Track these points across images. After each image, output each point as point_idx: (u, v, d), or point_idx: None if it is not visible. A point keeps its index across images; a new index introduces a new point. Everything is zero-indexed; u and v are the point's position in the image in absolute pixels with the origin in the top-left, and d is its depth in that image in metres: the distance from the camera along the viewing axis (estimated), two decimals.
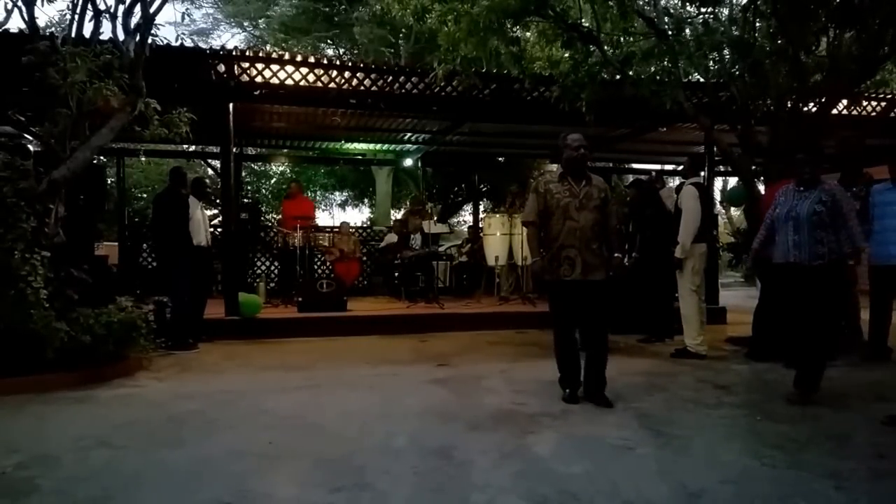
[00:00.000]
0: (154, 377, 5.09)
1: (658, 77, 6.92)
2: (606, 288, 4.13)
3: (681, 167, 7.51)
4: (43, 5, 5.69)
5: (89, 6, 5.65)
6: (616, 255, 4.26)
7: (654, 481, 2.79)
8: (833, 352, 5.61)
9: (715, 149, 8.21)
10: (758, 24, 6.89)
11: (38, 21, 5.53)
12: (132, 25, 5.74)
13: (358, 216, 22.16)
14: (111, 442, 3.37)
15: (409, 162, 12.96)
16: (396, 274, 10.20)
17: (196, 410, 4.02)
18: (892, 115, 9.21)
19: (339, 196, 21.27)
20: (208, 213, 7.73)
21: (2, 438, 3.45)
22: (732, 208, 20.55)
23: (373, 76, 7.82)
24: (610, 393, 4.12)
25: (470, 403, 4.21)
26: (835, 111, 7.33)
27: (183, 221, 6.33)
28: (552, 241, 4.12)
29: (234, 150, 8.22)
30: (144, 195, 16.84)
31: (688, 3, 6.79)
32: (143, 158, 10.52)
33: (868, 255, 5.59)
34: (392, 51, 15.65)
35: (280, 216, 10.50)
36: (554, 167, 11.19)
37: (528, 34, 9.47)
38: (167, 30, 25.62)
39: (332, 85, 7.65)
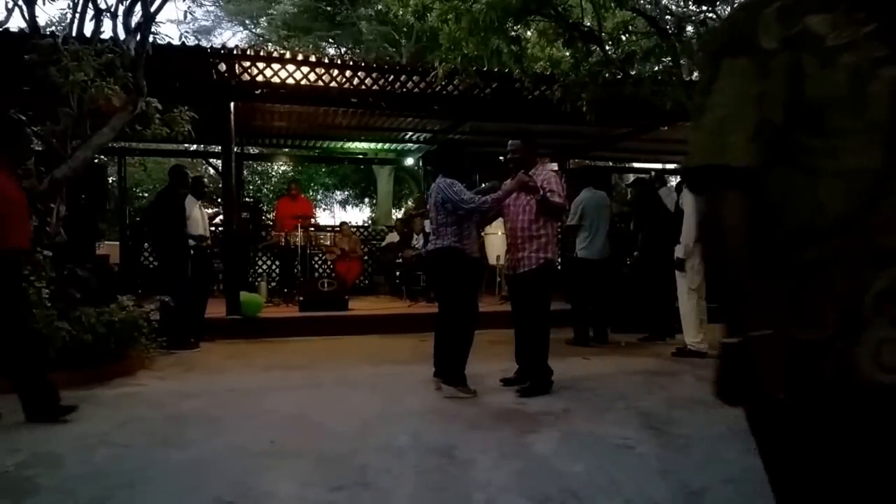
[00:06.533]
0: (156, 376, 5.09)
1: (659, 76, 6.91)
2: None
3: (679, 167, 7.50)
4: (44, 4, 5.72)
5: (90, 5, 5.64)
6: None
7: (656, 480, 2.79)
8: None
9: None
10: None
11: (38, 20, 5.54)
12: (133, 24, 5.75)
13: (359, 215, 22.18)
14: (113, 441, 3.38)
15: (410, 161, 12.97)
16: (398, 273, 10.20)
17: (198, 409, 4.02)
18: None
19: (340, 195, 21.29)
20: (208, 211, 7.72)
21: (4, 437, 3.45)
22: None
23: (374, 75, 7.81)
24: (611, 392, 4.07)
25: (471, 402, 4.21)
26: None
27: (180, 220, 6.32)
28: (849, 223, 1.04)
29: (236, 149, 8.21)
30: (146, 194, 16.84)
31: (689, 1, 6.77)
32: (132, 159, 10.43)
33: None
34: (394, 49, 15.66)
35: (275, 216, 10.43)
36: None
37: (528, 33, 9.46)
38: (169, 27, 25.70)
39: (333, 84, 7.63)
